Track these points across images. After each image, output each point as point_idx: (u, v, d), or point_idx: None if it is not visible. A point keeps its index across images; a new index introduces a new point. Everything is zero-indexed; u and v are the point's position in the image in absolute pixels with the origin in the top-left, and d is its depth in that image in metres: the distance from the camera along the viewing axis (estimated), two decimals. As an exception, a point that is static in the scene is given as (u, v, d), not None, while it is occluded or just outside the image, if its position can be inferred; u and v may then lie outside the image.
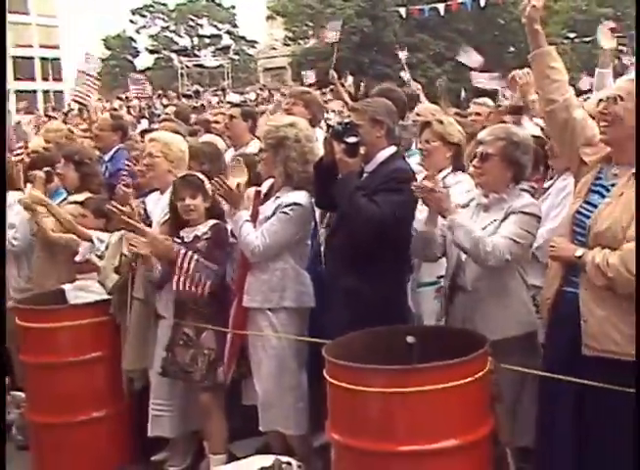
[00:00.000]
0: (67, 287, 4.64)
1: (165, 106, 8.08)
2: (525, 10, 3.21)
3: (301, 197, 3.94)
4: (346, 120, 3.73)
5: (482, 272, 3.42)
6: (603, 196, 3.07)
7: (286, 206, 3.90)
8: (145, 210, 4.56)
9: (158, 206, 4.51)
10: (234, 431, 4.28)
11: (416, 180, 3.70)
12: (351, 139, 3.59)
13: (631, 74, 3.35)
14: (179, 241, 4.16)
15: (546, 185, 4.10)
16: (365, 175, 3.76)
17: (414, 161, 4.36)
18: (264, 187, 4.14)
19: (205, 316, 4.10)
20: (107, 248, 4.65)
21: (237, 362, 4.04)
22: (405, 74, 14.50)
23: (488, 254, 3.29)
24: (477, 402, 3.01)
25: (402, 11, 21.72)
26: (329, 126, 3.75)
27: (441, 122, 4.28)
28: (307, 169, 3.92)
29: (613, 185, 3.06)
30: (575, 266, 3.06)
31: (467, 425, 2.96)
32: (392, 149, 3.80)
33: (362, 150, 3.64)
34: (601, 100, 3.12)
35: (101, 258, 4.65)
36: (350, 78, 21.67)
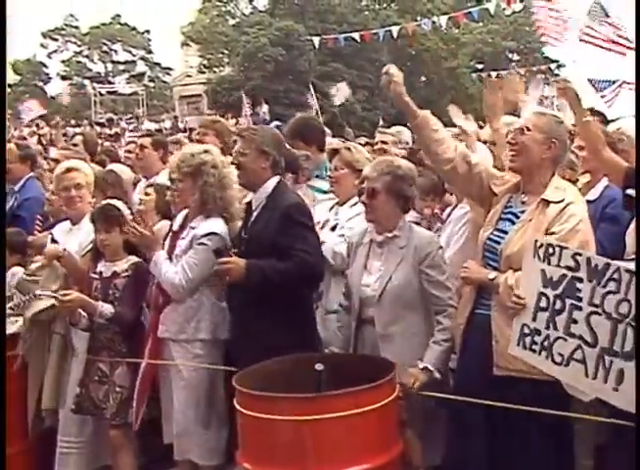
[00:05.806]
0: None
1: (73, 135, 7.98)
2: (388, 86, 3.28)
3: (216, 225, 3.92)
4: None
5: (394, 316, 3.48)
6: (513, 222, 3.20)
7: (202, 236, 3.87)
8: (53, 240, 4.45)
9: (70, 236, 4.44)
10: (148, 464, 4.21)
11: (309, 211, 3.79)
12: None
13: (537, 108, 3.53)
14: (97, 276, 4.12)
15: (445, 213, 4.20)
16: (257, 212, 3.78)
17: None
18: (178, 219, 4.09)
19: (120, 354, 4.05)
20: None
21: (147, 403, 3.97)
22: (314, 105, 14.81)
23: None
24: (385, 428, 3.04)
25: (316, 40, 22.01)
26: None
27: (349, 149, 4.33)
28: (224, 195, 3.93)
29: (522, 212, 3.20)
30: (487, 289, 3.17)
31: (376, 450, 2.98)
32: (276, 179, 3.81)
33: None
34: (510, 130, 3.28)
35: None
36: (266, 107, 21.86)
